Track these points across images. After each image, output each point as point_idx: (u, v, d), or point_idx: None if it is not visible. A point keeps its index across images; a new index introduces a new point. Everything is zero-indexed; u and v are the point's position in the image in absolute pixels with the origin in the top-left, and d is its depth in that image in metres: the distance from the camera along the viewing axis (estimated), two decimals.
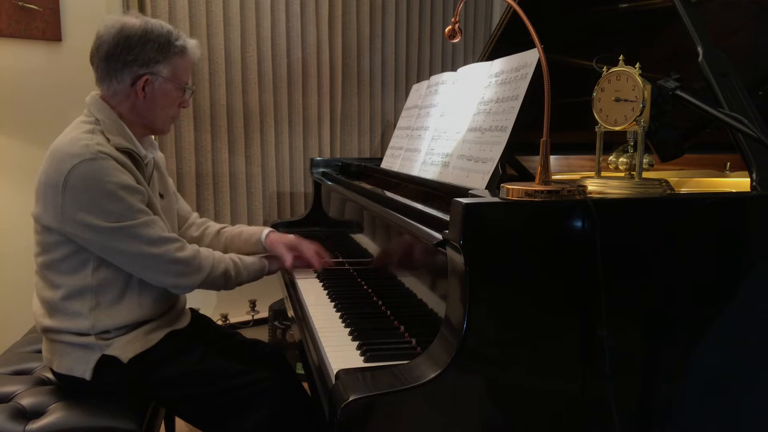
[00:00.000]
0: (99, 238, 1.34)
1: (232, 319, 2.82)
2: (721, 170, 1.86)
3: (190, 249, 1.45)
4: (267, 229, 1.71)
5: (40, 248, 1.41)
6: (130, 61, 1.42)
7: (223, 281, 1.51)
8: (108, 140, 1.38)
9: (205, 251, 1.49)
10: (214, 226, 1.81)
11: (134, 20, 1.44)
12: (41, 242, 1.40)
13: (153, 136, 1.61)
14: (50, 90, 2.39)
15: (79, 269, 1.38)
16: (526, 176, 1.43)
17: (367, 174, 2.15)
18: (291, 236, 1.71)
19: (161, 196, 1.58)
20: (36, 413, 1.36)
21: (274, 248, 1.67)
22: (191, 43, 1.52)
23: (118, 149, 1.38)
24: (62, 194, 1.32)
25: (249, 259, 1.60)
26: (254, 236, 1.70)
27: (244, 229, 1.75)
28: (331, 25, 2.88)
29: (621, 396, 1.01)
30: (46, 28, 2.34)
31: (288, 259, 1.63)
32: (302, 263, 1.67)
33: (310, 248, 1.68)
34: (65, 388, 1.43)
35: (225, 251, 1.60)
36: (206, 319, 1.78)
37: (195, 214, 1.83)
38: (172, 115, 1.54)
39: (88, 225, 1.32)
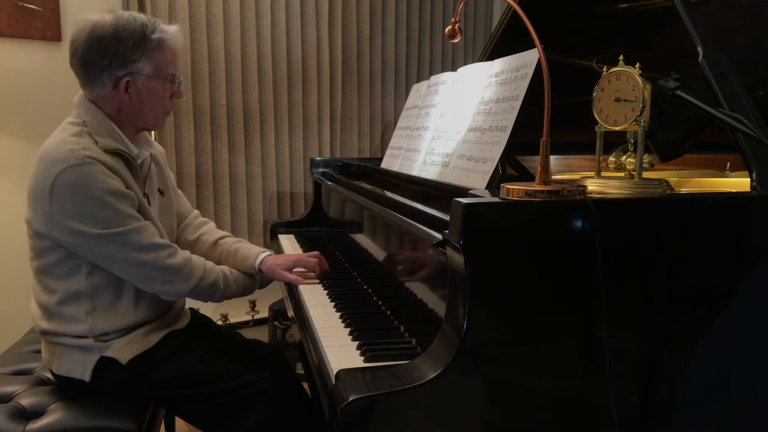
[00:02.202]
0: (87, 244, 1.32)
1: (232, 319, 2.82)
2: (721, 170, 1.86)
3: (181, 256, 1.43)
4: (262, 255, 1.61)
5: (34, 253, 1.40)
6: (106, 64, 1.35)
7: (211, 292, 1.49)
8: (96, 142, 1.34)
9: (197, 259, 1.47)
10: (211, 234, 1.72)
11: (105, 18, 1.36)
12: (34, 247, 1.39)
13: (151, 133, 1.58)
14: (50, 90, 2.38)
15: (72, 274, 1.37)
16: (526, 176, 1.43)
17: (367, 174, 2.15)
18: (288, 258, 1.64)
19: (161, 192, 1.57)
20: (36, 413, 1.36)
21: (273, 275, 1.60)
22: (171, 32, 1.43)
23: (107, 151, 1.35)
24: (49, 200, 1.30)
25: (240, 274, 1.59)
26: (249, 259, 1.60)
27: (240, 247, 1.64)
28: (331, 25, 2.88)
29: (621, 396, 1.01)
30: (46, 28, 2.34)
31: (299, 280, 1.60)
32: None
33: (312, 262, 1.64)
34: (65, 388, 1.43)
35: (218, 265, 1.57)
36: (206, 320, 1.78)
37: (194, 213, 1.78)
38: (165, 109, 1.48)
39: (77, 231, 1.30)
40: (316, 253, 1.70)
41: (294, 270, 1.64)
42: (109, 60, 1.36)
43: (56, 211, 1.30)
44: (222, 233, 1.74)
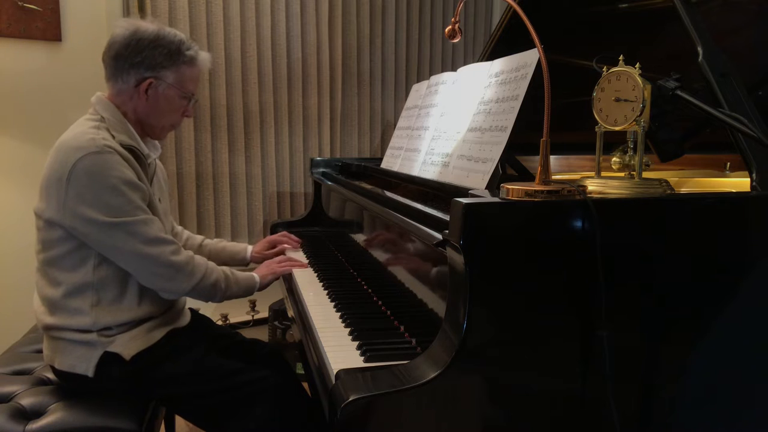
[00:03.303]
0: (96, 232, 1.34)
1: (232, 319, 2.83)
2: (721, 170, 1.86)
3: (185, 254, 1.45)
4: (250, 248, 1.82)
5: (42, 245, 1.42)
6: (137, 62, 1.44)
7: (212, 291, 1.50)
8: (113, 137, 1.40)
9: (199, 259, 1.49)
10: (195, 238, 1.85)
11: (150, 25, 1.46)
12: (43, 239, 1.41)
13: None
14: (50, 90, 2.39)
15: (79, 266, 1.39)
16: (526, 176, 1.43)
17: (367, 174, 2.15)
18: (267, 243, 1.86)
19: (159, 201, 1.58)
20: (36, 413, 1.36)
21: (260, 265, 1.74)
22: (203, 55, 1.54)
23: (122, 146, 1.40)
24: (66, 187, 1.33)
25: (241, 275, 1.61)
26: (239, 254, 1.76)
27: (226, 245, 1.80)
28: (331, 25, 2.88)
29: (621, 396, 1.01)
30: (46, 28, 2.34)
31: (285, 268, 1.74)
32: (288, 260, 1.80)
33: (282, 240, 1.91)
34: (66, 387, 1.44)
35: None
36: (206, 319, 1.79)
37: (179, 228, 1.86)
38: (172, 122, 1.55)
39: (88, 219, 1.33)
40: (282, 232, 1.95)
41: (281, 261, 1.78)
42: (141, 59, 1.44)
43: (71, 196, 1.33)
44: (201, 236, 1.89)
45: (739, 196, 1.19)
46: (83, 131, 1.38)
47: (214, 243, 1.82)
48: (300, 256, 1.93)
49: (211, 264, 1.52)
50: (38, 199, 1.41)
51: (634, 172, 1.17)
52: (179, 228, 1.86)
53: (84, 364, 1.38)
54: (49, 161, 1.38)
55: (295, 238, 1.99)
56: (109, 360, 1.39)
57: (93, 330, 1.39)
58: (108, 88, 1.49)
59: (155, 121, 1.51)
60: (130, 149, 1.42)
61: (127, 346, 1.40)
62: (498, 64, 1.46)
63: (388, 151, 2.01)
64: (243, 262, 1.69)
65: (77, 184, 1.32)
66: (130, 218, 1.35)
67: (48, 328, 1.43)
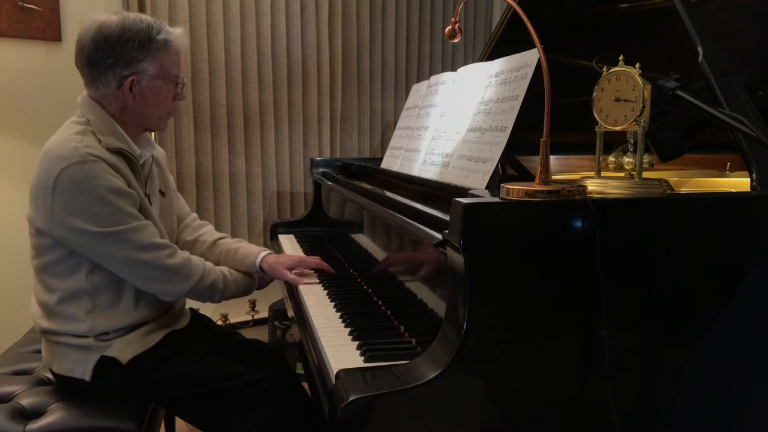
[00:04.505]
0: (88, 242, 1.32)
1: (232, 319, 2.83)
2: (721, 170, 1.86)
3: (181, 256, 1.43)
4: (263, 253, 1.64)
5: (35, 251, 1.40)
6: (111, 63, 1.37)
7: (210, 293, 1.49)
8: (99, 141, 1.35)
9: (196, 260, 1.48)
10: (210, 235, 1.74)
11: (112, 18, 1.38)
12: (35, 245, 1.40)
13: (152, 134, 1.58)
14: (50, 90, 2.38)
15: (72, 273, 1.37)
16: (526, 176, 1.43)
17: (367, 174, 2.15)
18: (289, 258, 1.67)
19: (162, 193, 1.57)
20: (36, 413, 1.36)
21: (273, 273, 1.62)
22: (176, 33, 1.45)
23: (110, 150, 1.36)
24: (52, 197, 1.30)
25: (239, 274, 1.59)
26: (249, 258, 1.62)
27: (240, 247, 1.66)
28: (331, 25, 2.88)
29: (621, 396, 1.01)
30: (46, 28, 2.34)
31: (298, 279, 1.62)
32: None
33: (313, 264, 1.68)
34: (65, 388, 1.43)
35: (217, 265, 1.58)
36: (206, 320, 1.78)
37: (193, 216, 1.79)
38: (167, 111, 1.49)
39: (77, 229, 1.30)
40: (317, 258, 1.72)
41: (294, 271, 1.65)
42: (115, 59, 1.37)
43: (58, 207, 1.30)
44: (220, 234, 1.76)
45: (739, 196, 1.19)
46: (67, 138, 1.34)
47: (228, 243, 1.69)
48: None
49: (209, 265, 1.51)
50: (29, 206, 1.38)
51: (634, 172, 1.17)
52: (191, 217, 1.76)
53: (81, 368, 1.38)
54: (36, 168, 1.35)
55: (328, 268, 1.71)
56: (106, 364, 1.38)
57: (89, 335, 1.38)
58: (90, 93, 1.42)
59: (149, 115, 1.45)
60: (119, 152, 1.38)
61: (124, 350, 1.39)
62: (498, 64, 1.46)
63: (388, 151, 2.01)
64: (252, 267, 1.63)
65: (63, 194, 1.29)
66: (122, 227, 1.32)
67: (45, 332, 1.42)
